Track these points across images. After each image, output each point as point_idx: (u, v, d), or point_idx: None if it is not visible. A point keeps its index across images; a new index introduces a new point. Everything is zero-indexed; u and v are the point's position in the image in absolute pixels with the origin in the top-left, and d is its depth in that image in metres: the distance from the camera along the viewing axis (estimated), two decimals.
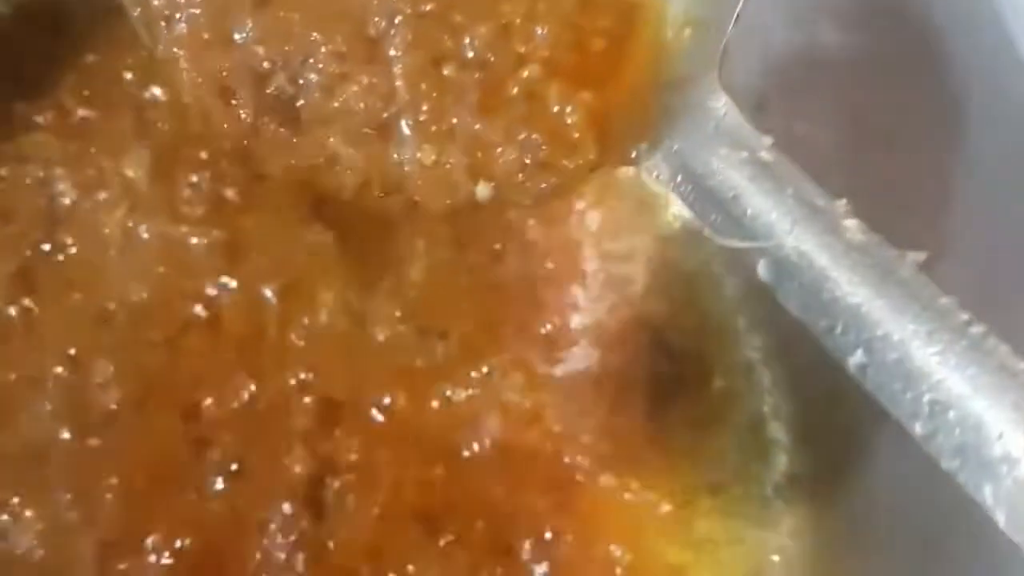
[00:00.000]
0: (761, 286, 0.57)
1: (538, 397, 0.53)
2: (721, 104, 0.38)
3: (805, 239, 0.35)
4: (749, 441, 0.55)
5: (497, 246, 0.57)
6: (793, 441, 0.55)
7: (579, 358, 0.55)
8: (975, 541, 0.42)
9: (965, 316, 0.33)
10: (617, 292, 0.57)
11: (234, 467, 0.49)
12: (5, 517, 0.47)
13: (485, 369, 0.53)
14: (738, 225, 0.36)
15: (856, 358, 0.34)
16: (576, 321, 0.55)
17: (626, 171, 0.60)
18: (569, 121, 0.38)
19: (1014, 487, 0.31)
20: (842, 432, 0.52)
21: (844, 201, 0.35)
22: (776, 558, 0.52)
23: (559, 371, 0.54)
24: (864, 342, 0.34)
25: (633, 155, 0.39)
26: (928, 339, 0.32)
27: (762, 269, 0.36)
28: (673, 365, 0.55)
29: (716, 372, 0.56)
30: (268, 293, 0.53)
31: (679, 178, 0.38)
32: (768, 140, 0.37)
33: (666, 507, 0.52)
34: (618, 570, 0.51)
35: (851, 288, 0.34)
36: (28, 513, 0.47)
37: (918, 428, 0.33)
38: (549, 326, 0.55)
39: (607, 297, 0.56)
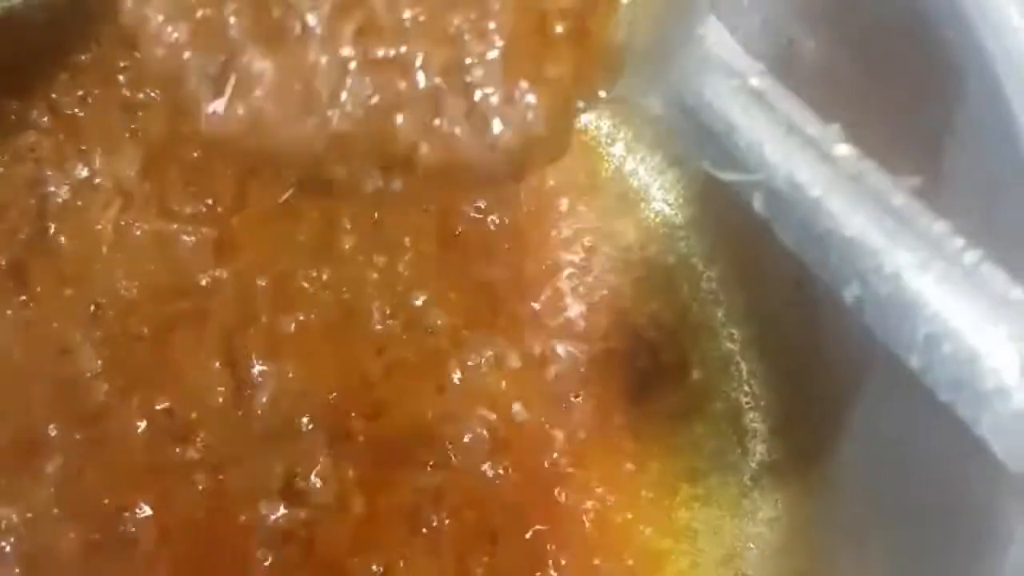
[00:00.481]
0: (739, 279, 0.58)
1: (522, 389, 0.53)
2: (710, 31, 0.35)
3: (798, 170, 0.33)
4: (727, 431, 0.54)
5: (482, 240, 0.56)
6: (770, 431, 0.54)
7: (560, 351, 0.54)
8: (950, 531, 0.41)
9: (960, 242, 0.31)
10: (598, 286, 0.56)
11: (216, 462, 0.48)
12: None
13: (473, 362, 0.53)
14: (732, 158, 0.34)
15: (852, 291, 0.32)
16: (558, 314, 0.55)
17: (608, 167, 0.60)
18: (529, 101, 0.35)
19: (1010, 420, 0.30)
20: (819, 422, 0.51)
21: (838, 126, 0.33)
22: (753, 546, 0.52)
23: (542, 364, 0.54)
24: (858, 274, 0.32)
25: (606, 94, 0.37)
26: (921, 269, 0.31)
27: (757, 203, 0.34)
28: (652, 357, 0.55)
29: (694, 364, 0.55)
30: (257, 289, 0.53)
31: (672, 111, 0.35)
32: (760, 67, 0.35)
33: (646, 496, 0.52)
34: (599, 557, 0.50)
35: (844, 219, 0.32)
36: (14, 505, 0.46)
37: (914, 362, 0.32)
38: (533, 319, 0.55)
39: (588, 291, 0.56)
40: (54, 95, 0.55)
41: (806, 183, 0.33)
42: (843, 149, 0.33)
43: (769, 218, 0.34)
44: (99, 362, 0.50)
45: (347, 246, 0.55)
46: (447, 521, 0.49)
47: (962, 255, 0.31)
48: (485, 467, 0.50)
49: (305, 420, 0.50)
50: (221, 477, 0.48)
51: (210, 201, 0.54)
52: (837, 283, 0.33)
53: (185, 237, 0.53)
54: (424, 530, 0.49)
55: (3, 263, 0.52)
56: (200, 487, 0.48)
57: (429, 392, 0.52)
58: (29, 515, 0.47)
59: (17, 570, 0.46)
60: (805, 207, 0.33)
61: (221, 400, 0.50)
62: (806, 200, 0.33)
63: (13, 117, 0.55)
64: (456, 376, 0.52)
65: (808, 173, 0.33)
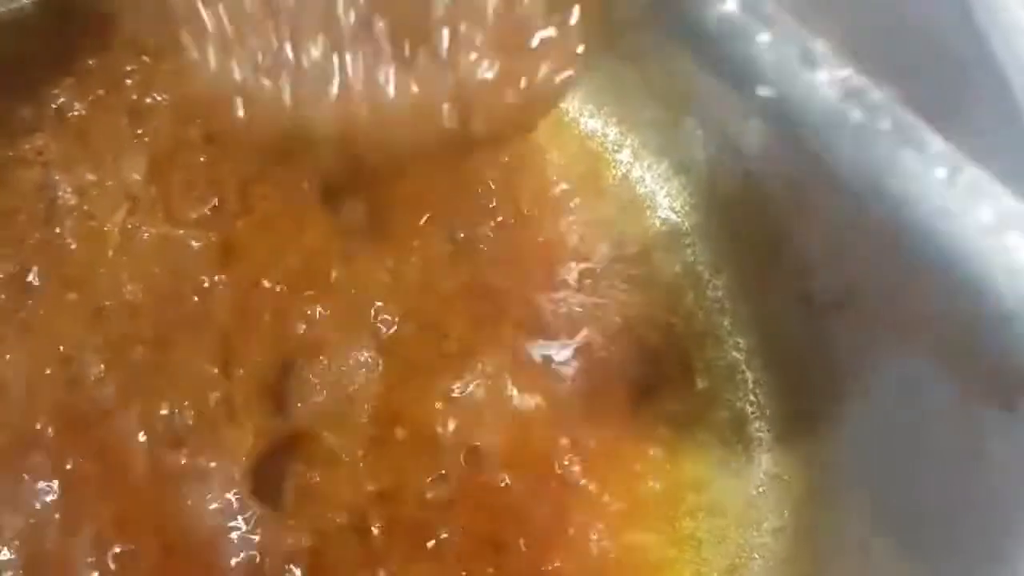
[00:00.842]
0: (745, 288, 0.57)
1: (527, 396, 0.52)
2: None
3: (796, 94, 0.32)
4: (732, 440, 0.53)
5: (489, 245, 0.55)
6: (775, 440, 0.53)
7: (565, 358, 0.53)
8: (956, 540, 0.41)
9: (953, 164, 0.31)
10: (603, 292, 0.55)
11: (217, 472, 0.47)
12: None
13: (480, 368, 0.52)
14: (736, 79, 0.33)
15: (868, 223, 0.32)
16: (563, 322, 0.54)
17: (615, 173, 0.60)
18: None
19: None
20: (825, 432, 0.51)
21: (825, 43, 0.33)
22: (757, 556, 0.51)
23: (547, 371, 0.53)
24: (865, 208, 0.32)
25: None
26: (916, 201, 0.31)
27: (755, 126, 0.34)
28: (657, 365, 0.54)
29: (699, 372, 0.54)
30: (262, 294, 0.52)
31: (679, 34, 0.35)
32: None
33: (650, 504, 0.51)
34: (603, 567, 0.49)
35: (840, 148, 0.32)
36: (17, 511, 0.46)
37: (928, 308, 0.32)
38: (538, 326, 0.54)
39: (593, 297, 0.55)
40: (62, 99, 0.55)
41: (801, 109, 0.32)
42: (843, 73, 0.32)
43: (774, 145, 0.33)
44: (101, 366, 0.49)
45: (354, 250, 0.54)
46: (453, 531, 0.48)
47: (956, 178, 0.31)
48: (491, 476, 0.50)
49: (313, 427, 0.50)
50: (221, 487, 0.47)
51: (215, 205, 0.54)
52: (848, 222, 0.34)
53: (191, 241, 0.53)
54: (431, 541, 0.48)
55: (11, 267, 0.51)
56: (199, 498, 0.47)
57: (439, 398, 0.51)
58: (32, 520, 0.46)
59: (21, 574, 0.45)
60: (807, 134, 0.32)
61: (221, 407, 0.49)
62: (805, 126, 0.32)
63: (21, 121, 0.54)
64: (464, 382, 0.52)
65: (804, 97, 0.32)
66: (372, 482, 0.48)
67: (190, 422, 0.48)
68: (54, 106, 0.55)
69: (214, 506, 0.47)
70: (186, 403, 0.48)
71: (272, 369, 0.50)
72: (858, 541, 0.47)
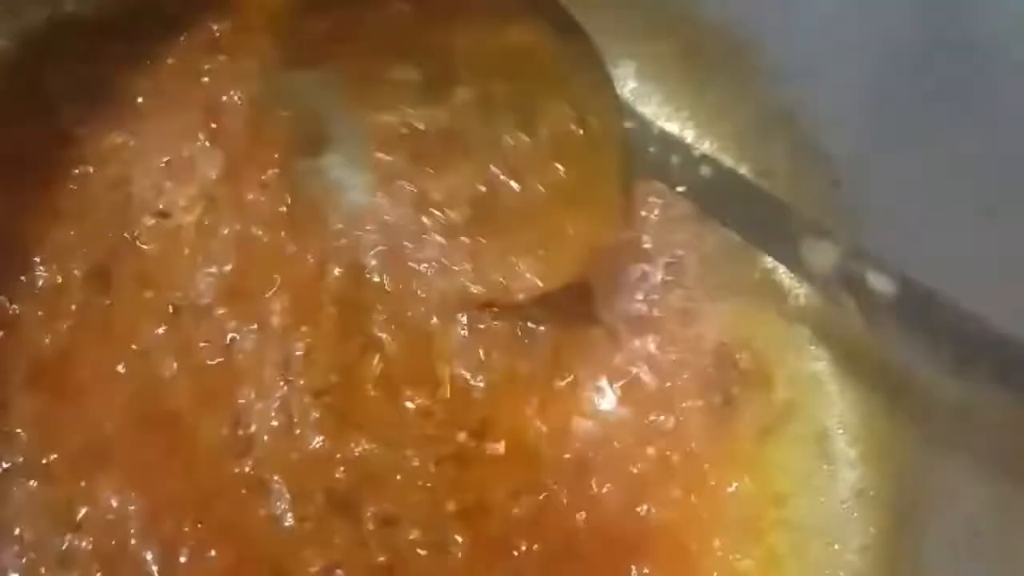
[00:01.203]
0: (826, 297, 0.55)
1: (611, 407, 0.51)
2: None
3: None
4: (815, 454, 0.52)
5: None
6: (860, 455, 0.52)
7: (647, 368, 0.52)
8: None
9: None
10: (682, 303, 0.54)
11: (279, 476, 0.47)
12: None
13: (567, 379, 0.52)
14: None
15: None
16: (644, 329, 0.53)
17: None
18: None
19: None
20: (912, 449, 0.49)
21: None
22: (843, 574, 0.49)
23: (631, 381, 0.52)
24: None
25: None
26: None
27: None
28: (738, 375, 0.52)
29: (780, 383, 0.53)
30: (335, 291, 0.52)
31: None
32: None
33: (732, 517, 0.50)
34: None
35: None
36: (94, 506, 0.46)
37: None
38: (622, 332, 0.53)
39: (675, 306, 0.54)
40: (140, 97, 0.54)
41: None
42: None
43: None
44: (175, 365, 0.49)
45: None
46: (534, 545, 0.47)
47: None
48: (576, 488, 0.49)
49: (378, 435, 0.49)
50: (296, 499, 0.47)
51: (290, 203, 0.53)
52: None
53: (265, 239, 0.52)
54: (513, 553, 0.47)
55: (88, 264, 0.51)
56: (273, 508, 0.47)
57: (530, 410, 0.50)
58: (110, 517, 0.46)
59: (98, 574, 0.45)
60: None
61: (288, 415, 0.48)
62: None
63: (100, 118, 0.54)
64: (551, 393, 0.51)
65: None
66: (455, 495, 0.48)
67: (253, 428, 0.48)
68: (132, 105, 0.54)
69: (287, 521, 0.46)
70: (256, 408, 0.48)
71: (350, 374, 0.50)
72: (948, 566, 0.45)
